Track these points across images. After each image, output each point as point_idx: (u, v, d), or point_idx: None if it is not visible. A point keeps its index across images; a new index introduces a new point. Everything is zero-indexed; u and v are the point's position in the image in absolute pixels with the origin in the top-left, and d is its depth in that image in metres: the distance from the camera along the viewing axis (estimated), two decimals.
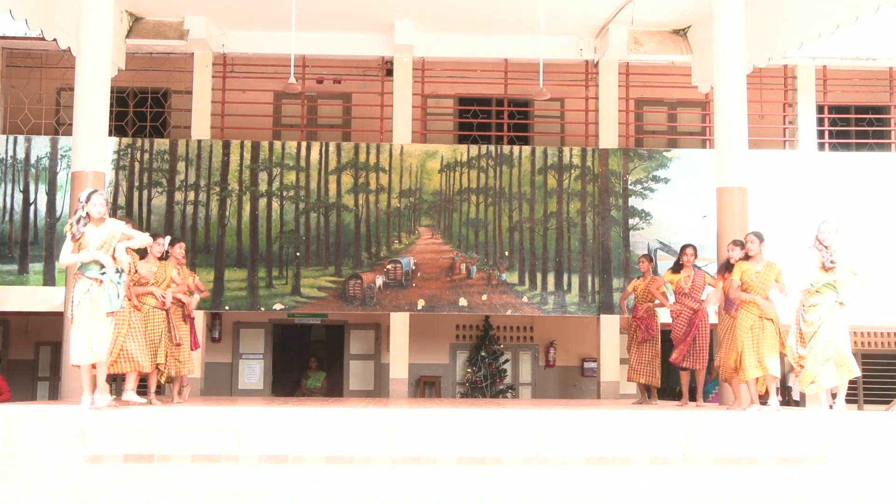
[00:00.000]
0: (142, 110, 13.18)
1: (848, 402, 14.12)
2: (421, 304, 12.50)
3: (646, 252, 12.34)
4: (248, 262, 12.44)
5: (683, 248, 9.81)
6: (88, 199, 7.27)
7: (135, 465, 6.11)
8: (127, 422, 6.31)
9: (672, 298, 9.76)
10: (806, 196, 12.75)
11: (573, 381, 14.38)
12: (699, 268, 9.84)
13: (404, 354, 12.50)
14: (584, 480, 6.22)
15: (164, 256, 8.80)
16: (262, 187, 12.57)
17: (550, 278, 12.60)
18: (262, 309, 12.51)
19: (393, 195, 12.68)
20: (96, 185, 9.80)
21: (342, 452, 6.18)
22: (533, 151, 12.84)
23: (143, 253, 8.45)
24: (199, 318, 12.50)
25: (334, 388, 14.04)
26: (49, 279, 12.13)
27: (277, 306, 12.43)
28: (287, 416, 6.74)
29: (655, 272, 10.85)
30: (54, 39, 10.30)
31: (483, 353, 13.88)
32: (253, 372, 14.05)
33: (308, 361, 14.06)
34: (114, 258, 7.27)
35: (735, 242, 8.95)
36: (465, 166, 12.77)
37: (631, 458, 6.28)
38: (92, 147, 9.87)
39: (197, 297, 9.26)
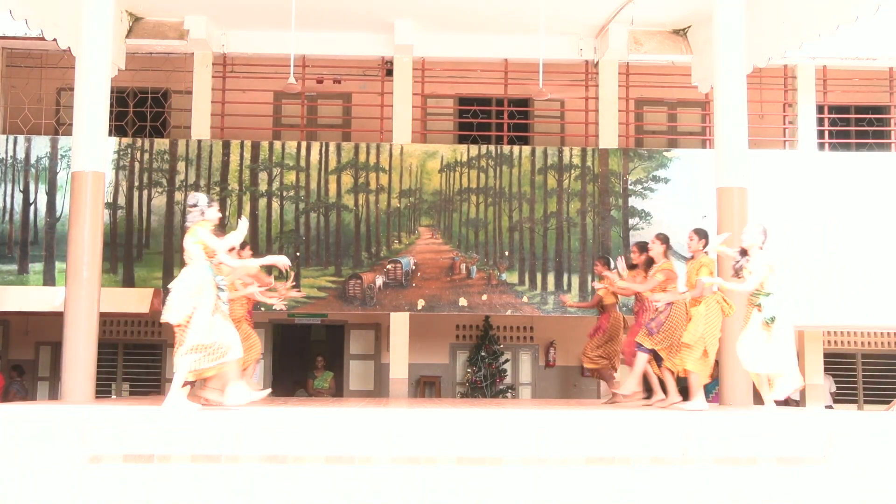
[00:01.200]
0: (142, 110, 13.18)
1: (848, 402, 14.30)
2: (421, 304, 12.50)
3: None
4: None
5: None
6: (210, 204, 7.52)
7: (135, 465, 6.10)
8: (127, 422, 6.31)
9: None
10: (806, 196, 12.76)
11: (573, 381, 14.38)
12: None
13: (404, 354, 12.51)
14: (584, 480, 6.22)
15: None
16: (262, 187, 12.58)
17: (550, 278, 12.60)
18: (262, 309, 12.49)
19: (393, 195, 12.68)
20: (96, 185, 9.79)
21: (342, 452, 6.18)
22: (533, 151, 12.84)
23: None
24: None
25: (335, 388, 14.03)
26: (49, 279, 12.13)
27: (277, 306, 12.40)
28: (287, 416, 6.74)
29: None
30: (54, 39, 10.29)
31: (483, 353, 13.88)
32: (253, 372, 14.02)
33: (314, 361, 13.98)
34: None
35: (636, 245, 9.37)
36: (465, 166, 12.77)
37: (631, 458, 6.28)
38: (92, 147, 9.86)
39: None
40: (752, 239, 7.89)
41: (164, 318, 7.47)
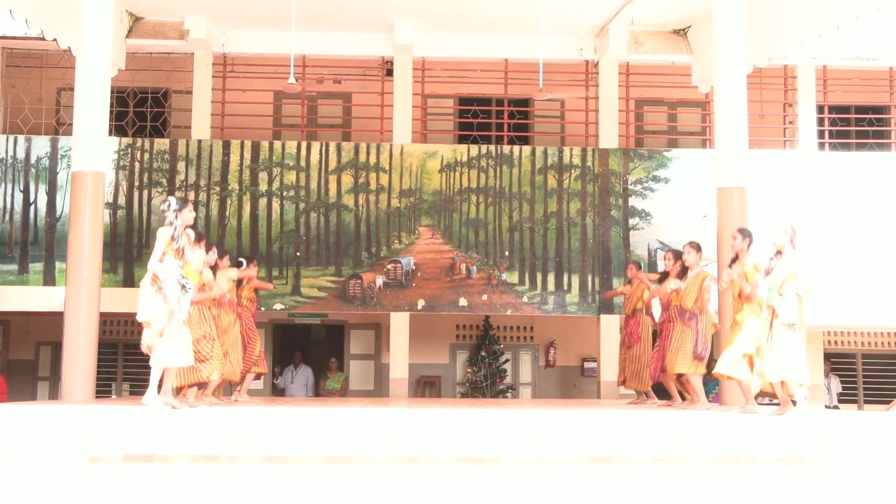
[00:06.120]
0: (142, 110, 13.18)
1: (848, 401, 14.30)
2: (421, 304, 12.50)
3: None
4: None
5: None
6: (182, 207, 7.79)
7: (135, 465, 6.10)
8: (127, 422, 6.31)
9: (657, 314, 9.74)
10: (806, 196, 12.75)
11: (573, 381, 14.38)
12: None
13: (404, 354, 12.50)
14: (584, 480, 6.21)
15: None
16: (262, 187, 12.58)
17: (550, 278, 12.60)
18: (263, 309, 12.47)
19: (393, 195, 12.68)
20: (96, 185, 9.80)
21: (342, 452, 6.18)
22: (533, 151, 12.84)
23: None
24: None
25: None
26: (49, 279, 12.13)
27: (277, 306, 12.43)
28: (287, 416, 6.74)
29: None
30: (54, 39, 10.30)
31: (483, 353, 13.88)
32: None
33: (328, 362, 13.93)
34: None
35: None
36: (465, 166, 12.77)
37: (631, 458, 6.28)
38: (92, 147, 9.87)
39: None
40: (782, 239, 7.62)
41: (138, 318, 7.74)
